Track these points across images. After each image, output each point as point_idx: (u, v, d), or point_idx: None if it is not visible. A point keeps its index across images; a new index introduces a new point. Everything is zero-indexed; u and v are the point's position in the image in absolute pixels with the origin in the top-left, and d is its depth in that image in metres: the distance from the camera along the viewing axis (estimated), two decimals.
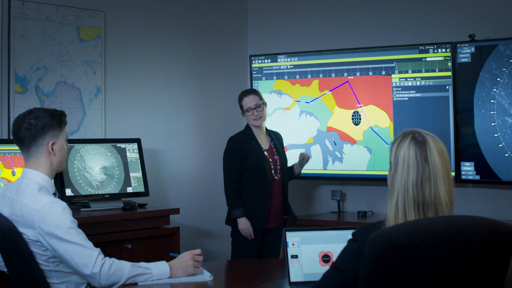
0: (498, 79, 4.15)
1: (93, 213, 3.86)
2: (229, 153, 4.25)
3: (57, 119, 2.63)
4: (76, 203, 3.98)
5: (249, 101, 4.22)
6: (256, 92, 4.28)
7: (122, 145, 4.23)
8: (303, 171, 4.69)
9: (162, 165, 4.81)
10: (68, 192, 3.89)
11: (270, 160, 4.23)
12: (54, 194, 2.63)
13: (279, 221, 4.32)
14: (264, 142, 4.28)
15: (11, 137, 2.71)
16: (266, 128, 4.35)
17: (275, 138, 4.35)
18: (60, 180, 3.86)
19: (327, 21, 5.09)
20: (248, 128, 4.27)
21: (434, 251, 1.71)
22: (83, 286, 2.62)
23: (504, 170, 4.16)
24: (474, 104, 4.24)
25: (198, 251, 2.67)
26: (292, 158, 4.84)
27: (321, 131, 4.79)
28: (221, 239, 4.62)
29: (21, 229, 2.49)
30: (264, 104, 4.26)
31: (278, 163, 4.26)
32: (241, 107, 4.27)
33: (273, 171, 4.23)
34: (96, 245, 2.54)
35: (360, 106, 4.64)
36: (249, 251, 4.18)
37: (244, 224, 4.15)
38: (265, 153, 4.23)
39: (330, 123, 4.75)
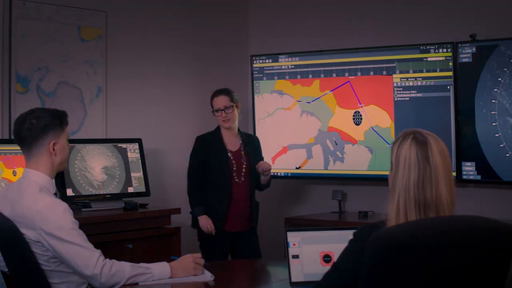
0: (499, 79, 4.14)
1: (94, 213, 3.86)
2: (192, 153, 4.18)
3: (58, 119, 2.63)
4: (77, 203, 3.98)
5: (218, 102, 4.10)
6: (227, 93, 4.13)
7: (123, 145, 4.23)
8: (304, 171, 4.68)
9: (163, 165, 4.81)
10: (69, 192, 3.89)
11: (234, 162, 4.11)
12: (55, 194, 2.63)
13: (250, 225, 4.18)
14: (233, 144, 4.16)
15: (12, 137, 2.70)
16: (239, 130, 4.23)
17: (248, 141, 4.22)
18: (61, 180, 3.86)
19: (328, 21, 5.09)
20: (218, 128, 4.18)
21: (435, 251, 1.71)
22: (84, 286, 2.62)
23: (505, 170, 4.16)
24: (475, 104, 4.23)
25: (199, 255, 2.67)
26: (291, 159, 4.85)
27: (322, 131, 4.78)
28: None
29: (22, 230, 2.49)
30: (236, 106, 4.13)
31: (243, 167, 4.14)
32: (212, 106, 4.16)
33: (234, 174, 4.10)
34: (97, 245, 2.55)
35: (361, 106, 4.63)
36: (220, 254, 4.05)
37: (203, 220, 4.03)
38: (229, 154, 4.11)
39: (331, 123, 4.75)
